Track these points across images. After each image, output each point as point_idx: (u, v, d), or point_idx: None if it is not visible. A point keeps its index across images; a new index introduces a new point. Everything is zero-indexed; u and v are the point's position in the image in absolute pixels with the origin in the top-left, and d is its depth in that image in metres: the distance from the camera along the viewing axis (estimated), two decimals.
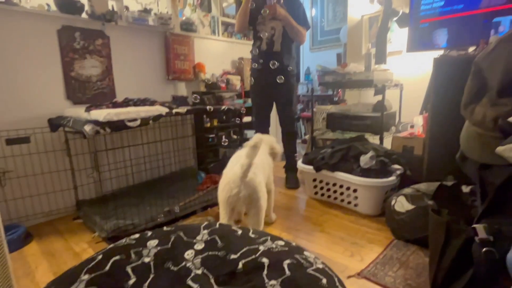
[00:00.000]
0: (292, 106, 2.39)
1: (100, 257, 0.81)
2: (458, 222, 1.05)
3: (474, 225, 0.90)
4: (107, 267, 0.77)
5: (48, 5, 1.99)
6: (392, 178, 1.81)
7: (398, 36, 2.60)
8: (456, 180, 1.47)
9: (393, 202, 1.62)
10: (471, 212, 1.32)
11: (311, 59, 4.71)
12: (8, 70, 1.80)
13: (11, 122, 1.83)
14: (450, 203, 1.38)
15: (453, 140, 1.26)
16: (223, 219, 1.37)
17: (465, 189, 1.45)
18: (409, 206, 1.53)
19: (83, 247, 1.62)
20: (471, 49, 1.78)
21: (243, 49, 3.21)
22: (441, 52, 1.94)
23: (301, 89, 4.64)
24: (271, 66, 2.12)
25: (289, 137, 2.45)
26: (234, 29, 2.39)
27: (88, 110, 1.69)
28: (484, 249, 0.86)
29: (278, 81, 2.23)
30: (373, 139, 2.25)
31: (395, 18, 2.40)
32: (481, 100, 0.93)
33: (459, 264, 0.97)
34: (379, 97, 2.20)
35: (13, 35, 1.80)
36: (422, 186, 1.61)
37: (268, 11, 2.08)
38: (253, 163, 1.33)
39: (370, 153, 1.88)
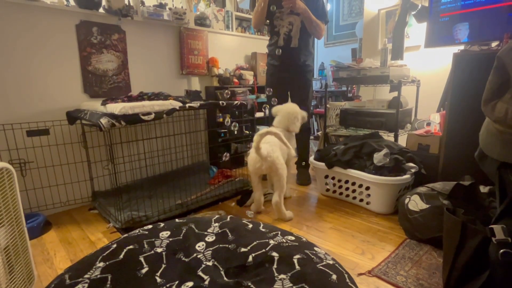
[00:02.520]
0: (308, 102, 2.37)
1: (114, 246, 0.83)
2: (474, 222, 1.02)
3: (492, 226, 0.88)
4: (121, 256, 0.79)
5: (67, 0, 2.04)
6: (406, 176, 1.78)
7: (416, 30, 2.52)
8: (473, 180, 1.42)
9: (406, 201, 1.59)
10: (489, 213, 1.28)
11: (326, 55, 4.64)
12: (28, 64, 1.86)
13: (32, 115, 1.90)
14: (466, 203, 1.35)
15: (471, 139, 1.22)
16: (253, 183, 1.88)
17: (483, 189, 1.41)
18: (423, 205, 1.49)
19: (98, 237, 1.68)
20: (494, 44, 1.71)
21: (257, 44, 3.20)
22: (461, 47, 1.87)
23: (315, 85, 4.59)
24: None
25: (302, 133, 2.43)
26: (251, 24, 2.37)
27: (104, 103, 1.73)
28: (501, 251, 0.84)
29: (294, 77, 2.20)
30: (388, 137, 2.20)
31: (413, 12, 2.33)
32: (503, 96, 0.89)
33: (474, 265, 0.95)
34: (395, 94, 2.15)
35: (34, 30, 1.86)
36: (437, 185, 1.57)
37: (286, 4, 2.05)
38: (272, 144, 1.79)
39: (384, 151, 1.85)
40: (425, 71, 2.51)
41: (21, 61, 1.83)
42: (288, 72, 2.25)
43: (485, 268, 0.92)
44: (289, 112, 2.05)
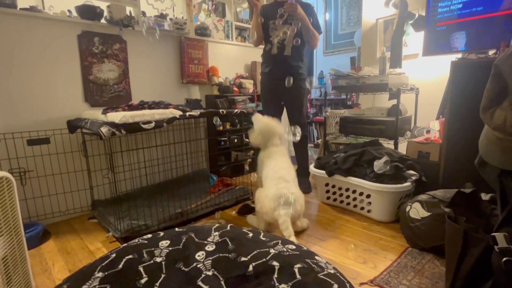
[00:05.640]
0: (303, 110, 2.38)
1: (113, 255, 0.83)
2: (476, 230, 1.01)
3: (494, 234, 0.87)
4: (120, 266, 0.78)
5: (69, 11, 2.07)
6: (407, 184, 1.77)
7: (413, 39, 2.55)
8: (474, 188, 1.42)
9: (407, 209, 1.58)
10: (491, 220, 1.27)
11: (325, 63, 4.69)
12: (30, 74, 1.88)
13: (33, 124, 1.91)
14: (468, 211, 1.34)
15: (471, 146, 1.22)
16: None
17: (485, 197, 1.40)
18: (425, 213, 1.48)
19: (98, 246, 1.66)
20: (491, 52, 1.72)
21: (256, 53, 3.22)
22: (459, 55, 1.89)
23: (314, 93, 4.62)
24: (286, 84, 2.12)
25: (300, 141, 2.44)
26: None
27: (104, 112, 1.74)
28: (504, 259, 0.83)
29: (287, 85, 2.22)
30: (388, 144, 2.20)
31: (411, 21, 2.36)
32: (501, 103, 0.90)
33: (477, 274, 0.94)
34: (394, 101, 2.16)
35: (37, 40, 1.88)
36: (438, 193, 1.56)
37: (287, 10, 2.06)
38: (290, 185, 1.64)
39: (384, 158, 1.84)
40: (424, 79, 2.53)
41: (23, 70, 1.85)
42: (281, 80, 2.26)
43: (489, 277, 0.91)
44: (263, 129, 1.86)
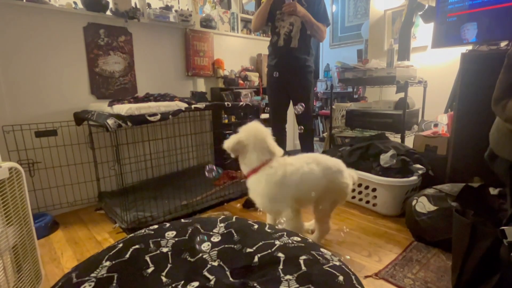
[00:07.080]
0: (309, 103, 2.36)
1: (120, 245, 0.84)
2: (484, 224, 1.00)
3: (503, 227, 0.86)
4: (127, 255, 0.79)
5: (75, 3, 2.07)
6: (414, 178, 1.75)
7: (423, 31, 2.50)
8: (483, 182, 1.40)
9: (414, 203, 1.57)
10: (499, 215, 1.26)
11: (331, 56, 4.63)
12: (37, 66, 1.89)
13: (40, 116, 1.92)
14: (476, 205, 1.32)
15: (480, 140, 1.20)
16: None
17: (493, 191, 1.38)
18: (431, 207, 1.47)
19: (105, 237, 1.69)
20: (503, 44, 1.68)
21: (262, 45, 3.20)
22: (469, 47, 1.85)
23: (320, 86, 4.57)
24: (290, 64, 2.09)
25: (305, 135, 2.42)
26: (251, 27, 2.38)
27: (111, 104, 1.75)
28: None
29: (294, 78, 2.19)
30: (394, 138, 2.18)
31: (420, 12, 2.31)
32: None
33: (484, 268, 0.93)
34: (402, 95, 2.13)
35: (43, 32, 1.89)
36: (445, 187, 1.55)
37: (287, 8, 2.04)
38: None
39: (391, 152, 1.83)
40: (432, 71, 2.49)
41: (30, 62, 1.86)
42: (288, 73, 2.23)
43: (496, 271, 0.90)
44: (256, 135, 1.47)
